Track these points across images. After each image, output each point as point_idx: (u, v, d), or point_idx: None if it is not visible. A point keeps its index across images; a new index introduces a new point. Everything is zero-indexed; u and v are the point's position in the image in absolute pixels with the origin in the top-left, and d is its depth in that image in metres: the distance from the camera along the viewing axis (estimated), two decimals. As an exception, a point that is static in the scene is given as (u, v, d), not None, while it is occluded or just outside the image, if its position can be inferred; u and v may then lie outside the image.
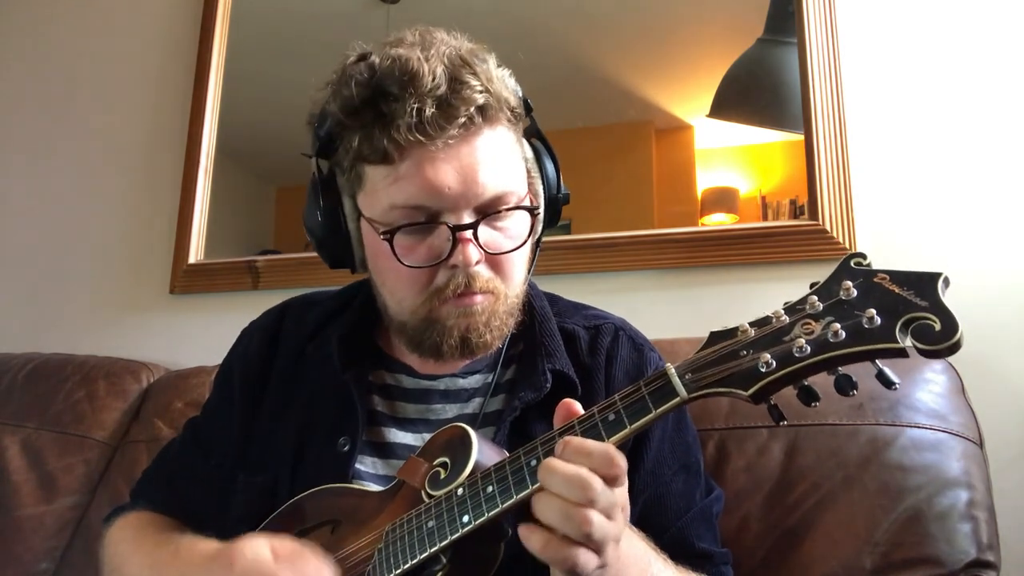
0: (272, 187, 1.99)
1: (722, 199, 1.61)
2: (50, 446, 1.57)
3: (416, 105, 0.80)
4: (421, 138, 0.80)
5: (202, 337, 1.80)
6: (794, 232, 1.48)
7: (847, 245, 1.43)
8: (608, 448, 0.64)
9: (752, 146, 1.62)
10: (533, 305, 0.98)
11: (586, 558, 0.63)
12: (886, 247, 1.43)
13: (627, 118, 1.67)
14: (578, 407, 0.69)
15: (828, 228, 1.44)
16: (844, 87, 1.49)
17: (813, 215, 1.46)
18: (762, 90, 1.61)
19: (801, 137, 1.51)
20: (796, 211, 1.52)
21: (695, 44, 1.67)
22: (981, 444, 1.14)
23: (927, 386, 1.16)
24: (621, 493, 0.65)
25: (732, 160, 1.62)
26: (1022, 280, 1.36)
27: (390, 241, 0.84)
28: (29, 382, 1.68)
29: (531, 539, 0.64)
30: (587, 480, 0.62)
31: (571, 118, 1.68)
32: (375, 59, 0.84)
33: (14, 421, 1.61)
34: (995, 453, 1.17)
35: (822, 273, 1.56)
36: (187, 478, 1.02)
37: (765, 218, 1.56)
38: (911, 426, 1.12)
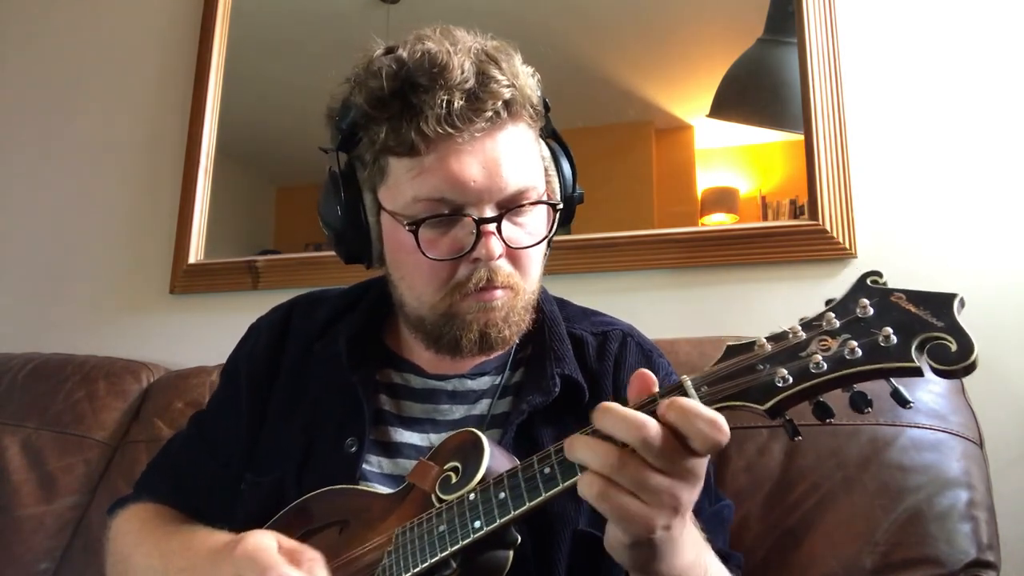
0: (272, 187, 1.99)
1: (722, 199, 1.61)
2: (50, 446, 1.57)
3: (445, 97, 0.80)
4: (449, 130, 0.80)
5: (202, 337, 1.80)
6: (794, 232, 1.48)
7: (847, 245, 1.43)
8: (715, 413, 0.61)
9: (752, 146, 1.62)
10: (543, 308, 0.98)
11: (643, 510, 0.62)
12: (886, 247, 1.43)
13: (627, 118, 1.67)
14: (653, 379, 0.68)
15: (828, 228, 1.45)
16: (844, 87, 1.49)
17: (813, 215, 1.46)
18: (762, 90, 1.61)
19: (801, 137, 1.51)
20: (796, 211, 1.52)
21: (695, 44, 1.67)
22: (981, 444, 1.14)
23: (927, 386, 1.16)
24: (696, 463, 0.63)
25: (732, 160, 1.62)
26: (1022, 280, 1.36)
27: (415, 233, 0.84)
28: (29, 382, 1.68)
29: (583, 486, 0.63)
30: (643, 420, 0.60)
31: (571, 118, 1.67)
32: (403, 52, 0.84)
33: (14, 421, 1.61)
34: (995, 453, 1.17)
35: (822, 273, 1.57)
36: (192, 474, 1.02)
37: (765, 218, 1.56)
38: (911, 426, 1.12)
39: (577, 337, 0.97)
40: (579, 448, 0.64)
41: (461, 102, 0.80)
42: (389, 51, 0.86)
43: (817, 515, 1.10)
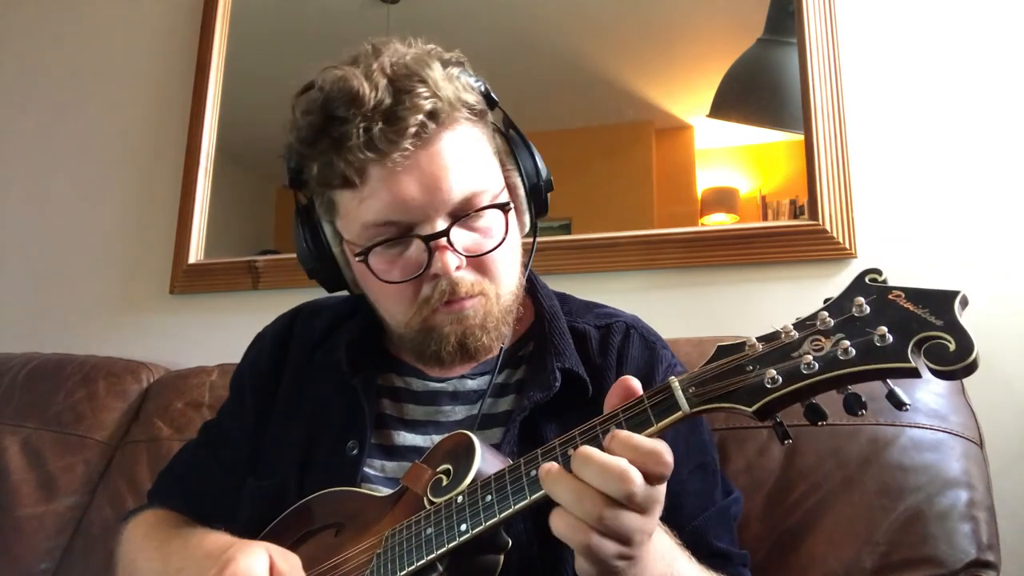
0: (272, 187, 1.99)
1: (722, 199, 1.61)
2: (50, 446, 1.57)
3: (363, 124, 0.80)
4: (374, 156, 0.80)
5: (202, 337, 1.80)
6: (794, 232, 1.47)
7: (847, 245, 1.43)
8: (658, 444, 0.61)
9: (752, 146, 1.62)
10: (543, 304, 0.97)
11: (615, 549, 0.61)
12: (886, 247, 1.43)
13: (627, 118, 1.67)
14: (636, 385, 0.67)
15: (828, 228, 1.44)
16: (844, 87, 1.49)
17: (813, 215, 1.46)
18: (762, 90, 1.61)
19: (801, 137, 1.51)
20: (796, 211, 1.52)
21: (695, 44, 1.67)
22: (981, 444, 1.14)
23: (927, 386, 1.16)
24: (661, 490, 0.63)
25: (732, 160, 1.62)
26: (1022, 279, 1.36)
27: (365, 261, 0.85)
28: (29, 382, 1.68)
29: (557, 523, 0.62)
30: (627, 472, 0.59)
31: (571, 118, 1.68)
32: (320, 84, 0.85)
33: (14, 421, 1.61)
34: (995, 453, 1.16)
35: (822, 273, 1.57)
36: (200, 480, 1.03)
37: (765, 218, 1.56)
38: (911, 426, 1.12)
39: (579, 331, 0.96)
40: (560, 488, 0.62)
41: (380, 125, 0.80)
42: (308, 87, 0.87)
43: (817, 515, 1.10)
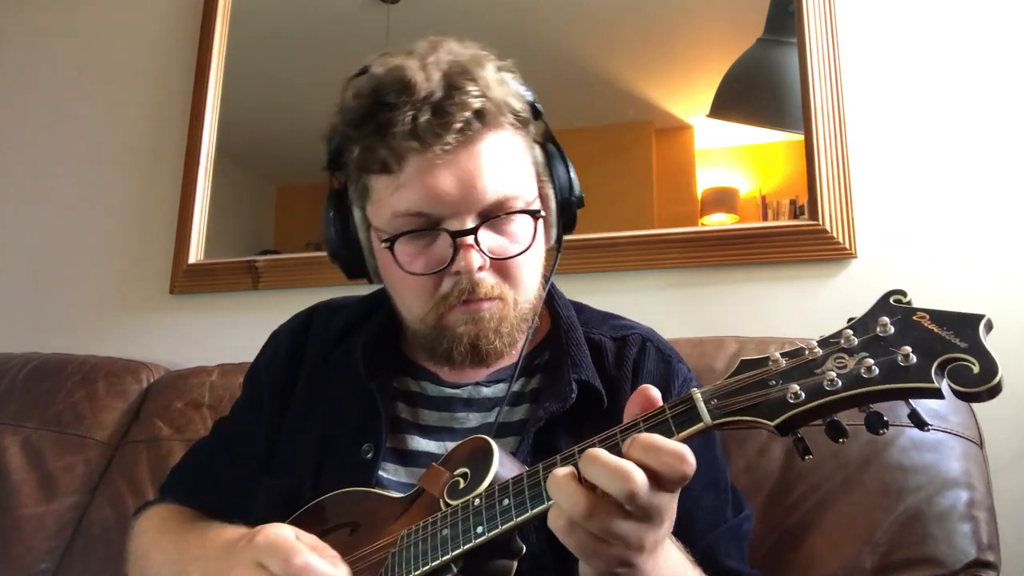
0: (272, 187, 1.99)
1: (722, 199, 1.61)
2: (50, 446, 1.57)
3: (411, 113, 0.80)
4: (417, 145, 0.81)
5: (202, 337, 1.80)
6: (794, 232, 1.47)
7: (847, 245, 1.43)
8: (681, 446, 0.60)
9: (752, 146, 1.62)
10: (560, 314, 0.97)
11: (611, 553, 0.61)
12: (885, 247, 1.43)
13: (627, 118, 1.67)
14: (656, 394, 0.67)
15: (828, 228, 1.44)
16: (844, 87, 1.49)
17: (813, 215, 1.46)
18: (762, 90, 1.61)
19: (801, 137, 1.51)
20: (796, 211, 1.52)
21: (695, 44, 1.67)
22: (981, 444, 1.14)
23: (927, 386, 1.16)
24: (668, 499, 0.62)
25: (732, 160, 1.62)
26: (1022, 279, 1.36)
27: (391, 249, 0.85)
28: (29, 382, 1.68)
29: (553, 517, 0.62)
30: (630, 472, 0.58)
31: (571, 118, 1.68)
32: (375, 70, 0.85)
33: (14, 421, 1.61)
34: (995, 453, 1.17)
35: (822, 273, 1.57)
36: (212, 476, 1.03)
37: (765, 218, 1.56)
38: (911, 426, 1.11)
39: (595, 342, 0.96)
40: (553, 488, 0.63)
41: (427, 116, 0.80)
42: (363, 71, 0.87)
43: (817, 515, 1.10)
